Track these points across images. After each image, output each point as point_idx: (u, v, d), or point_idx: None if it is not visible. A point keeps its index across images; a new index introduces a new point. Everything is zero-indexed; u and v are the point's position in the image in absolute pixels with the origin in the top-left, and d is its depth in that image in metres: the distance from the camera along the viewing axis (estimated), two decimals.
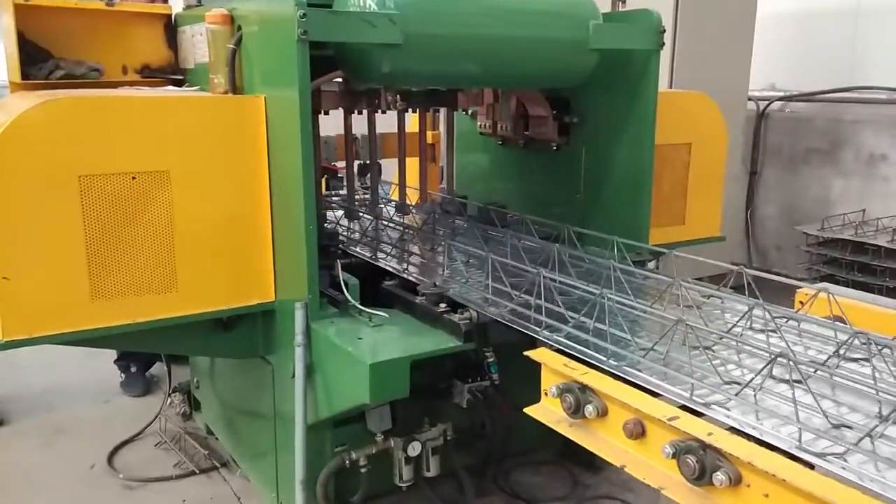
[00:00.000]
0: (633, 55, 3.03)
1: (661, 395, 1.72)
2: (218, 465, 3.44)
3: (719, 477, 1.45)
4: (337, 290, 2.56)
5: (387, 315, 2.49)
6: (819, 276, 5.79)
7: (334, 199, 3.78)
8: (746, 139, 6.51)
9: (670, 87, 5.19)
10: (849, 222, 5.71)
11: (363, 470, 2.70)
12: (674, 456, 1.54)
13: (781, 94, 6.47)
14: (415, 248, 3.11)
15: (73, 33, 3.11)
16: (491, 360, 2.50)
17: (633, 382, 1.76)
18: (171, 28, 3.34)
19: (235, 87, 2.65)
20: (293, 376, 2.44)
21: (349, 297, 2.52)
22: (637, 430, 1.66)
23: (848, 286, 5.50)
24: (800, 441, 1.46)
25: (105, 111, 2.30)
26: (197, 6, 3.14)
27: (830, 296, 2.18)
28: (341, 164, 3.86)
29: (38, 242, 2.23)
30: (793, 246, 6.21)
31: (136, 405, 4.13)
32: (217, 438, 3.58)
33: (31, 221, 2.21)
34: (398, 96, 2.85)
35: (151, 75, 3.31)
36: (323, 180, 4.07)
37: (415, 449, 2.70)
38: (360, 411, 2.57)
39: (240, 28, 2.65)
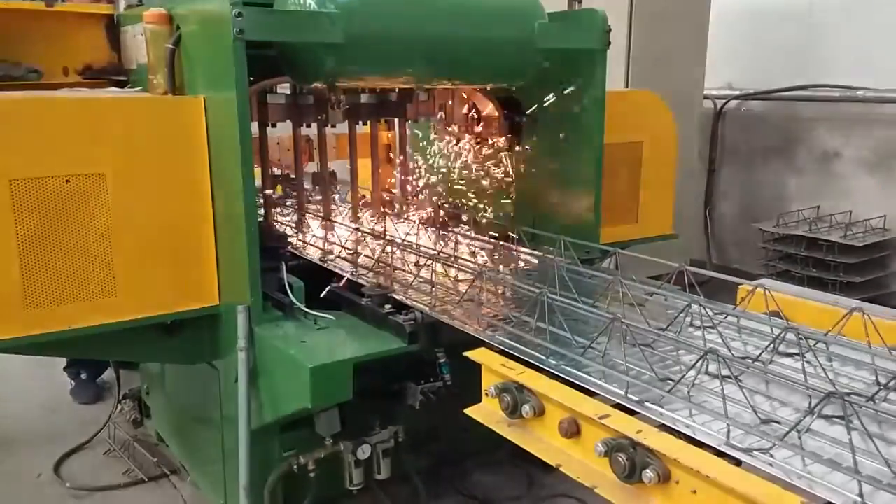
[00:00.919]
0: (581, 54, 3.04)
1: (598, 394, 1.71)
2: (168, 473, 3.38)
3: (648, 474, 1.45)
4: (284, 294, 2.53)
5: (332, 318, 2.46)
6: (775, 271, 5.88)
7: (288, 202, 3.73)
8: (704, 137, 6.58)
9: (626, 86, 5.22)
10: (803, 219, 5.80)
11: (312, 474, 2.66)
12: (606, 454, 1.53)
13: (738, 92, 6.54)
14: (366, 251, 3.09)
15: (11, 34, 3.04)
16: (442, 360, 2.48)
17: (571, 381, 1.75)
18: (113, 28, 3.28)
19: (175, 88, 2.61)
20: (237, 381, 2.40)
21: (294, 300, 2.49)
22: (572, 429, 1.65)
23: (803, 281, 5.59)
24: (728, 437, 1.46)
25: (36, 113, 2.24)
26: (138, 6, 3.08)
27: (767, 291, 2.20)
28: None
29: None
30: (751, 242, 6.29)
31: (86, 413, 4.05)
32: (168, 445, 3.52)
33: None
34: (347, 107, 2.81)
35: (94, 77, 3.25)
36: (278, 187, 4.03)
37: (364, 452, 2.67)
38: (309, 415, 2.53)
39: (178, 28, 2.60)
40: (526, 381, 1.75)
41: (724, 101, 6.60)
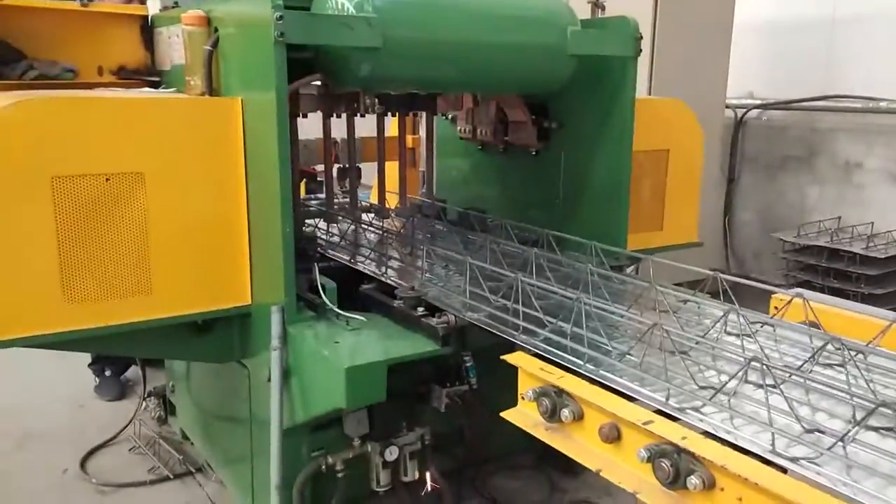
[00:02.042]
0: (611, 62, 3.05)
1: (637, 400, 1.72)
2: (193, 471, 3.40)
3: (693, 481, 1.45)
4: (315, 294, 2.54)
5: (364, 319, 2.48)
6: (795, 282, 5.86)
7: (313, 202, 3.75)
8: (724, 147, 6.58)
9: (649, 94, 5.23)
10: (824, 229, 5.79)
11: (340, 475, 2.67)
12: (648, 460, 1.54)
13: (758, 102, 6.54)
14: (394, 253, 3.10)
15: (47, 34, 3.08)
16: (469, 364, 2.49)
17: (609, 386, 1.76)
18: (147, 29, 3.31)
19: (212, 89, 2.63)
20: (269, 380, 2.42)
21: (326, 301, 2.50)
22: (612, 434, 1.66)
23: (824, 292, 5.56)
24: (773, 445, 1.47)
25: (79, 112, 2.27)
26: (174, 7, 3.11)
27: (805, 301, 2.20)
28: (321, 167, 3.84)
29: (9, 243, 2.19)
30: (770, 252, 6.28)
31: (110, 409, 4.08)
32: (192, 443, 3.54)
33: (3, 222, 2.17)
34: (377, 100, 2.83)
35: (127, 77, 3.28)
36: (302, 184, 4.06)
37: (392, 453, 2.68)
38: (338, 416, 2.55)
39: (216, 30, 2.63)
40: (566, 386, 1.76)
41: (744, 110, 6.59)
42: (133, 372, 4.27)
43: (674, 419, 1.63)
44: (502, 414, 1.94)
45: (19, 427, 3.86)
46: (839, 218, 5.89)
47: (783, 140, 6.44)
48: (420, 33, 2.56)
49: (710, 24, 5.50)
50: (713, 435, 1.55)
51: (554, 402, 1.79)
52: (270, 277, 2.48)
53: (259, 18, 2.31)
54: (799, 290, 2.39)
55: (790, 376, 1.74)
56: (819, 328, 2.07)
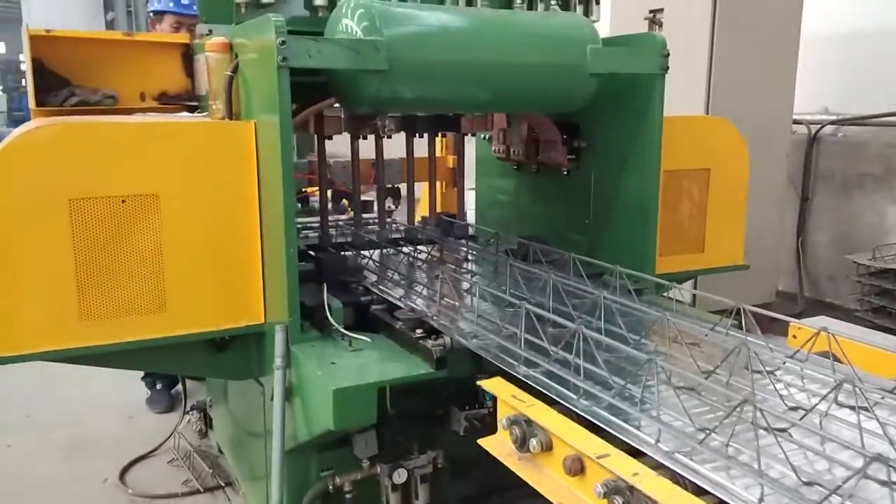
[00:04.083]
0: (638, 79, 2.97)
1: (605, 432, 1.64)
2: (223, 485, 3.48)
3: None
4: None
5: (369, 340, 2.48)
6: (871, 307, 5.52)
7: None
8: (797, 164, 6.29)
9: (706, 110, 5.07)
10: None
11: (348, 496, 2.67)
12: (605, 496, 1.47)
13: (833, 117, 6.22)
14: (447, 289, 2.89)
15: (92, 62, 3.24)
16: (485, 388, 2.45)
17: (578, 417, 1.70)
18: (189, 56, 3.45)
19: (232, 114, 2.71)
20: (271, 398, 2.45)
21: (332, 321, 2.52)
22: (576, 467, 1.59)
23: None
24: (761, 499, 1.35)
25: (94, 137, 2.37)
26: (208, 35, 3.23)
27: (830, 335, 2.04)
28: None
29: (28, 263, 2.31)
30: (845, 276, 5.94)
31: (158, 421, 4.22)
32: (226, 458, 3.63)
33: (22, 242, 2.29)
34: (391, 121, 2.85)
35: (169, 102, 3.42)
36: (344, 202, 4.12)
37: (400, 476, 2.65)
38: (346, 436, 2.55)
39: (237, 56, 2.71)
40: (533, 415, 1.71)
41: (818, 126, 6.29)
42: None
43: (640, 454, 1.55)
44: (479, 441, 1.90)
45: (72, 436, 4.04)
46: None
47: (860, 157, 6.10)
48: (428, 55, 2.55)
49: (774, 36, 5.28)
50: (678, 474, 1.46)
51: (524, 432, 1.73)
52: (277, 297, 2.51)
53: (264, 44, 2.37)
54: (821, 319, 2.24)
55: (793, 424, 1.60)
56: (843, 363, 1.92)
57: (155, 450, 3.80)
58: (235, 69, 2.70)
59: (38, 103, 3.01)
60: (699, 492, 1.41)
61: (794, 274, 6.52)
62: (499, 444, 1.85)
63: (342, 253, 3.26)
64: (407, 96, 2.63)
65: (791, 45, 5.38)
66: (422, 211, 3.93)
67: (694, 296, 4.42)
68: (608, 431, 1.66)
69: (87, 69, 3.23)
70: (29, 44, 2.97)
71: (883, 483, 1.30)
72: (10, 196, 2.26)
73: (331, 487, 2.64)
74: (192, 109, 3.40)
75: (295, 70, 2.33)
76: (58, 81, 3.12)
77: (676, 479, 1.47)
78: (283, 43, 2.28)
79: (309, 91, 2.86)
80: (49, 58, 3.12)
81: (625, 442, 1.62)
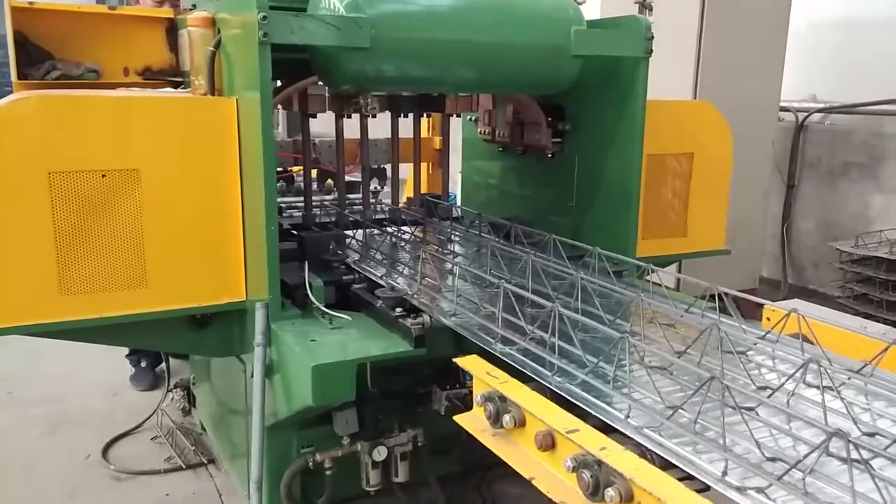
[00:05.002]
0: (623, 62, 2.97)
1: (579, 408, 1.67)
2: (206, 462, 3.49)
3: (610, 493, 1.40)
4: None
5: (349, 318, 2.49)
6: (853, 294, 5.56)
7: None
8: (784, 151, 6.31)
9: (694, 94, 5.07)
10: (885, 240, 5.46)
11: (329, 472, 2.69)
12: (573, 469, 1.49)
13: (821, 105, 6.24)
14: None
15: (76, 36, 3.22)
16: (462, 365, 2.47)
17: (549, 393, 1.72)
18: (173, 31, 3.42)
19: (214, 90, 2.70)
20: (251, 376, 2.46)
21: (313, 299, 2.53)
22: (547, 442, 1.61)
23: (882, 306, 5.27)
24: (725, 473, 1.39)
25: (75, 110, 2.36)
26: (192, 10, 3.20)
27: (801, 317, 2.07)
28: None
29: (6, 236, 2.30)
30: (829, 263, 5.98)
31: (142, 399, 4.23)
32: (209, 435, 3.64)
33: (1, 216, 2.28)
34: (375, 101, 2.84)
35: (153, 77, 3.40)
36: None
37: (381, 454, 2.68)
38: (326, 413, 2.57)
39: (219, 31, 2.69)
40: (507, 392, 1.72)
41: (805, 113, 6.30)
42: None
43: (610, 429, 1.58)
44: (455, 418, 1.92)
45: (55, 413, 4.04)
46: None
47: (846, 145, 6.12)
48: (411, 34, 2.55)
49: (763, 24, 5.27)
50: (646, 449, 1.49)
51: (497, 408, 1.75)
52: (258, 274, 2.52)
53: (245, 19, 2.36)
54: (794, 302, 2.26)
55: (761, 402, 1.63)
56: (813, 344, 1.95)
57: (138, 427, 3.81)
58: (218, 44, 2.69)
59: (20, 76, 2.99)
60: (666, 466, 1.44)
61: (778, 261, 6.55)
62: (474, 421, 1.87)
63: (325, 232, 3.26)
64: (389, 75, 2.63)
65: (780, 33, 5.37)
66: (408, 192, 3.94)
67: (678, 280, 4.45)
68: (582, 408, 1.68)
69: (70, 43, 3.21)
70: (11, 16, 2.94)
71: (843, 459, 1.33)
72: None
73: (311, 464, 2.66)
74: (176, 85, 3.38)
75: (278, 46, 2.32)
76: (40, 54, 3.10)
77: (644, 453, 1.49)
78: (265, 18, 2.28)
79: (294, 68, 2.85)
80: (31, 31, 3.09)
81: (597, 418, 1.65)
